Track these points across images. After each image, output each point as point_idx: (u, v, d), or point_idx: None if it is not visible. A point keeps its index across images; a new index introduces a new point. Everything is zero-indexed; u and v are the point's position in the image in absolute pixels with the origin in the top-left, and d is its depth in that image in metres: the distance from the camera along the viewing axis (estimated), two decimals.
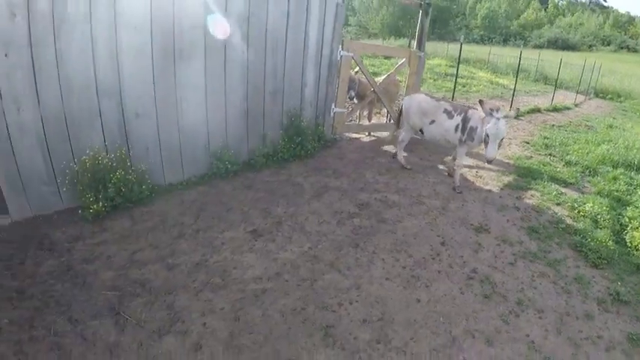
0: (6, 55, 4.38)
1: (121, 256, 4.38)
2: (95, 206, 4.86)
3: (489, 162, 6.35)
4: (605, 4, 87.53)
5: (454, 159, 7.39)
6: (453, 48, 32.12)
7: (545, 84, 27.58)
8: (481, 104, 6.38)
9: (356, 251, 4.97)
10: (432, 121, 7.12)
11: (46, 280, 3.93)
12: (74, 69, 4.80)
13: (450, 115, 6.92)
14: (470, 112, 6.78)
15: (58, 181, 5.00)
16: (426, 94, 7.53)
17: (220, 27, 5.89)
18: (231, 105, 6.41)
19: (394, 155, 8.10)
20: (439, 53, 31.44)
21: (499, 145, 6.21)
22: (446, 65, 25.61)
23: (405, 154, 7.98)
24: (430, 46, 38.47)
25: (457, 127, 6.82)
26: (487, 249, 5.42)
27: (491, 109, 6.19)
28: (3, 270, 4.03)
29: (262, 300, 3.98)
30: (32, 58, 4.53)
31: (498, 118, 6.03)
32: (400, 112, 7.81)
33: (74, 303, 3.70)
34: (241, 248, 4.74)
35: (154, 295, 3.90)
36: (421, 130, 7.39)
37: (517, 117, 13.69)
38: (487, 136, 6.13)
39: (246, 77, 6.48)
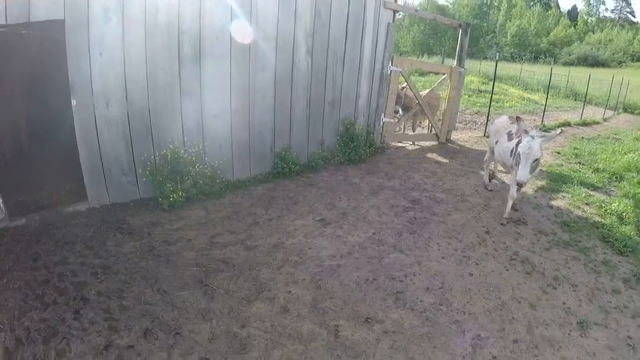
0: (100, 55, 4.81)
1: (200, 240, 4.72)
2: (174, 195, 5.24)
3: (519, 186, 5.80)
4: (635, 19, 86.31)
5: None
6: (484, 65, 32.27)
7: (575, 100, 27.45)
8: (517, 121, 6.02)
9: (414, 237, 5.48)
10: (497, 142, 6.82)
11: (130, 259, 4.23)
12: (161, 67, 5.26)
13: (510, 137, 6.46)
14: (524, 134, 5.98)
15: (138, 171, 5.39)
16: (509, 116, 6.98)
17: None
18: (295, 111, 6.92)
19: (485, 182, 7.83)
20: (471, 70, 31.55)
21: (533, 168, 5.67)
22: (478, 82, 25.80)
23: (490, 173, 7.96)
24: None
25: (512, 150, 6.26)
26: (525, 237, 5.89)
27: (527, 128, 5.77)
28: (84, 249, 4.31)
29: (338, 273, 4.39)
30: (124, 58, 4.96)
31: (533, 137, 5.55)
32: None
33: (161, 277, 3.99)
34: (313, 233, 5.15)
35: (238, 270, 4.25)
36: (492, 150, 7.12)
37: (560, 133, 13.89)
38: (518, 155, 5.65)
39: (309, 87, 7.02)
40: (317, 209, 5.82)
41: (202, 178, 5.58)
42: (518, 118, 6.10)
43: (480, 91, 22.02)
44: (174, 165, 5.43)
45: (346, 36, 7.37)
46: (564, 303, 4.51)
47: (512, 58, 55.51)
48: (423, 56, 47.15)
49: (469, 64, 34.73)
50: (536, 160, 5.54)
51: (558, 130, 6.04)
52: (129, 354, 3.07)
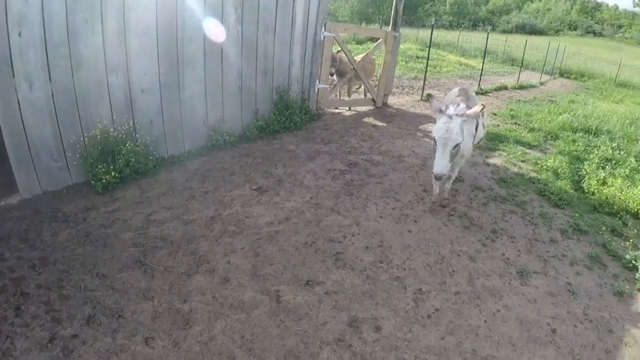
0: (19, 35, 4.47)
1: (137, 219, 4.64)
2: (107, 177, 5.09)
3: (436, 179, 4.69)
4: None
5: None
6: (422, 33, 32.74)
7: (512, 65, 28.36)
8: (430, 100, 4.89)
9: (351, 199, 5.56)
10: None
11: (67, 247, 4.10)
12: (85, 45, 4.98)
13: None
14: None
15: (68, 155, 5.13)
16: (460, 89, 5.85)
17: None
18: (227, 82, 6.79)
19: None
20: (409, 38, 31.97)
21: (453, 155, 4.57)
22: (416, 49, 26.16)
23: None
24: (400, 31, 38.58)
25: None
26: (463, 194, 6.12)
27: (442, 107, 4.62)
28: (19, 243, 4.13)
29: (277, 239, 4.45)
30: (45, 36, 4.64)
31: (450, 117, 4.46)
32: None
33: (99, 262, 3.91)
34: (249, 202, 5.16)
35: (176, 245, 4.22)
36: None
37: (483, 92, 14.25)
38: (434, 141, 4.55)
39: (240, 57, 6.88)
40: (253, 178, 5.82)
41: (134, 156, 5.42)
42: (430, 96, 5.39)
43: (418, 57, 22.38)
44: (105, 145, 5.25)
45: (277, 2, 7.24)
46: (503, 254, 4.74)
47: (451, 26, 56.49)
48: (361, 24, 47.37)
49: (408, 31, 35.24)
50: (457, 145, 4.45)
51: (479, 107, 4.62)
52: (74, 343, 3.03)
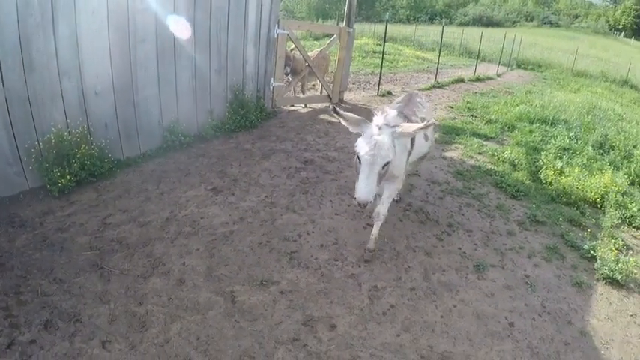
0: None
1: (93, 222, 4.66)
2: (62, 181, 5.08)
3: (359, 205, 3.38)
4: None
5: None
6: (379, 28, 33.07)
7: (470, 58, 28.88)
8: (338, 115, 3.72)
9: (306, 196, 5.65)
10: None
11: (24, 252, 4.10)
12: (37, 50, 4.95)
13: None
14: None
15: (24, 160, 5.10)
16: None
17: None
18: (181, 82, 6.83)
19: None
20: (366, 33, 32.23)
21: (382, 177, 3.51)
22: (373, 44, 26.38)
23: None
24: (357, 27, 38.57)
25: None
26: (419, 189, 6.20)
27: (361, 121, 3.69)
28: None
29: (232, 239, 4.55)
30: None
31: (379, 127, 3.53)
32: None
33: (56, 266, 3.93)
34: (205, 203, 5.25)
35: (132, 248, 4.28)
36: None
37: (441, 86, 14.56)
38: (357, 160, 3.51)
39: (193, 57, 6.93)
40: (208, 179, 5.89)
41: (90, 159, 5.43)
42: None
43: (375, 53, 22.53)
44: (60, 149, 5.24)
45: (229, 2, 7.30)
46: (460, 248, 4.83)
47: (409, 20, 56.93)
48: (318, 20, 47.26)
49: (365, 27, 35.43)
50: (387, 164, 3.47)
51: (421, 125, 3.56)
52: (32, 349, 3.07)
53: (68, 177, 5.16)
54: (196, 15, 6.75)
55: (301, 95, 10.68)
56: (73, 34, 5.25)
